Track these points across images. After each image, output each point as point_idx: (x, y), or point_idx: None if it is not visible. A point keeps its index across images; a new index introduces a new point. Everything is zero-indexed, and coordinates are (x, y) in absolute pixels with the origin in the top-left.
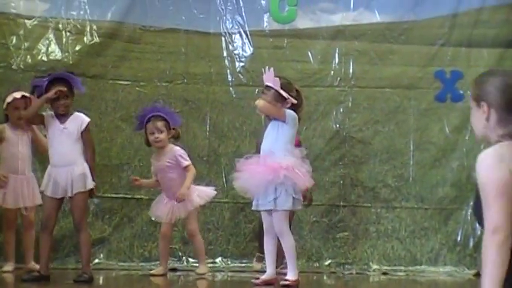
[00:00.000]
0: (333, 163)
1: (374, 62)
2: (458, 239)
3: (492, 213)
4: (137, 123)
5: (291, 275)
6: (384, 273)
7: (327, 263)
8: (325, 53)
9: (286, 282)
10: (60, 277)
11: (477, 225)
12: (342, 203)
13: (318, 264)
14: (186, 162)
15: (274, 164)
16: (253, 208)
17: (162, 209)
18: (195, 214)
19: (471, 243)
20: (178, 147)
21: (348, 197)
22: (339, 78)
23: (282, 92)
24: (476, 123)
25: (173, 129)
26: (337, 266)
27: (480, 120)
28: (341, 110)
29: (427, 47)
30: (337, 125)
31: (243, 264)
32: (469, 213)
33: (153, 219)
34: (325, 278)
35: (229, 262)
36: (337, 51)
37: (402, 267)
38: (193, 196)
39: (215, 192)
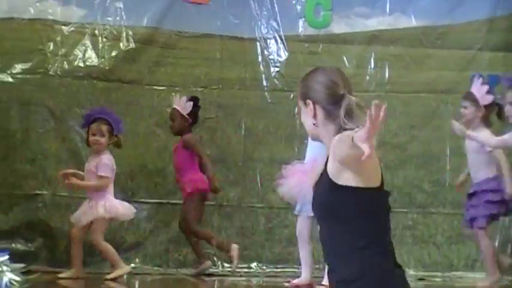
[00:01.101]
0: None
1: (410, 66)
2: (496, 244)
3: None
4: (83, 122)
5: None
6: (420, 279)
7: None
8: (361, 58)
9: None
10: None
11: None
12: None
13: None
14: (103, 173)
15: None
16: (295, 212)
17: (80, 210)
18: (101, 224)
19: (509, 249)
20: (108, 156)
21: None
22: (374, 83)
23: None
24: (305, 121)
25: (116, 136)
26: None
27: (308, 118)
28: None
29: (464, 51)
30: None
31: (278, 270)
32: (506, 219)
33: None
34: None
35: (264, 267)
36: (372, 56)
37: (439, 273)
38: (99, 206)
39: (132, 211)
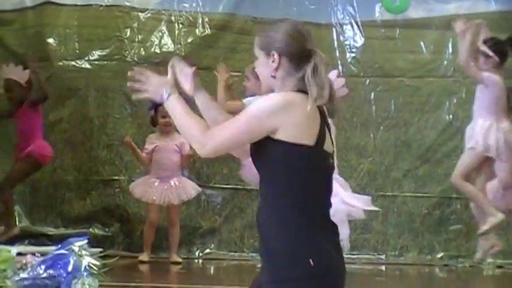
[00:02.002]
0: (446, 155)
1: None
2: None
3: None
4: (151, 105)
5: None
6: (499, 267)
7: (439, 255)
8: (438, 43)
9: None
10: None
11: None
12: (454, 195)
13: (430, 257)
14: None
15: None
16: None
17: (152, 191)
18: (179, 204)
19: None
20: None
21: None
22: (452, 69)
23: None
24: (263, 72)
25: None
26: (450, 259)
27: (268, 70)
28: (454, 101)
29: None
30: (450, 116)
31: (354, 256)
32: None
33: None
34: (437, 270)
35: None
36: (450, 41)
37: None
38: (188, 186)
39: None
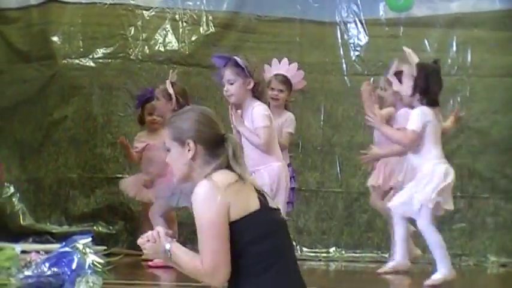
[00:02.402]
0: (450, 153)
1: (493, 50)
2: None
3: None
4: (137, 102)
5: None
6: (503, 266)
7: None
8: (442, 41)
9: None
10: None
11: None
12: (458, 194)
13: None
14: None
15: None
16: None
17: (147, 190)
18: None
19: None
20: None
21: (464, 188)
22: (456, 67)
23: None
24: (177, 161)
25: None
26: (454, 258)
27: (183, 158)
28: (458, 100)
29: None
30: None
31: (357, 254)
32: None
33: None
34: None
35: (343, 252)
36: (454, 39)
37: None
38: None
39: None
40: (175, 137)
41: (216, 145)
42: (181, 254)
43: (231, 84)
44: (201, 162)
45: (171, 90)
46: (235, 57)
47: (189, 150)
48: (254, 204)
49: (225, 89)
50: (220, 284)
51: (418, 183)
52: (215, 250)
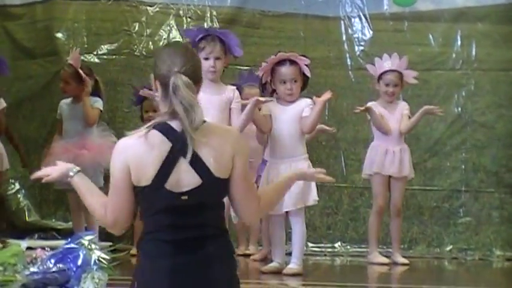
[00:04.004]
0: (455, 147)
1: (498, 44)
2: None
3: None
4: (135, 100)
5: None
6: (508, 260)
7: (448, 248)
8: (447, 35)
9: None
10: None
11: None
12: (463, 188)
13: (439, 250)
14: None
15: None
16: None
17: None
18: None
19: None
20: None
21: (470, 182)
22: (461, 61)
23: None
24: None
25: None
26: (459, 252)
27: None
28: (463, 94)
29: None
30: (459, 109)
31: (362, 249)
32: None
33: None
34: (446, 263)
35: (348, 247)
36: (459, 33)
37: None
38: None
39: None
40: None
41: (165, 82)
42: (85, 192)
43: (218, 59)
44: (160, 98)
45: (80, 72)
46: (220, 34)
47: (155, 87)
48: (145, 180)
49: (212, 64)
50: (119, 233)
51: None
52: (116, 206)
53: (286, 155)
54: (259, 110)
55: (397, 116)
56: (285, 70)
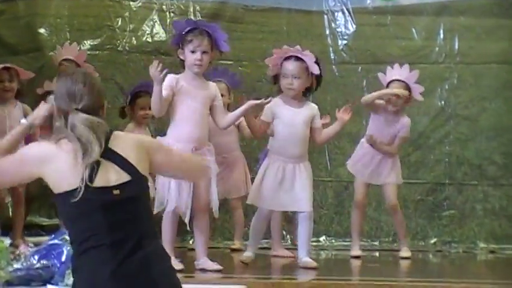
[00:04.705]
0: (438, 141)
1: (480, 37)
2: None
3: None
4: (128, 99)
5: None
6: (492, 252)
7: (432, 241)
8: (430, 29)
9: None
10: None
11: None
12: (447, 181)
13: (423, 243)
14: None
15: None
16: None
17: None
18: None
19: None
20: None
21: (453, 175)
22: (444, 55)
23: None
24: None
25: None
26: (443, 245)
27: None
28: (446, 87)
29: None
30: (442, 102)
31: (347, 243)
32: None
33: None
34: (430, 256)
35: (333, 241)
36: (442, 27)
37: (511, 246)
38: None
39: None
40: None
41: (65, 120)
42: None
43: (205, 53)
44: (57, 129)
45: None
46: (208, 27)
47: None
48: (67, 185)
49: (199, 58)
50: None
51: None
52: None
53: (292, 156)
54: (260, 111)
55: (394, 130)
56: (288, 65)
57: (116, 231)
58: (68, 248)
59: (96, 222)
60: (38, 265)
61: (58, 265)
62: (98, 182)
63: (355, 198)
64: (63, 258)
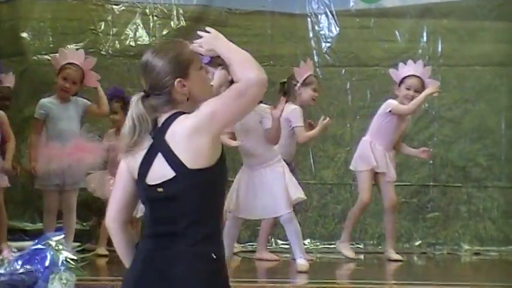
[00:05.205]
0: (422, 143)
1: (463, 39)
2: None
3: None
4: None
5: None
6: (476, 254)
7: (417, 243)
8: (413, 31)
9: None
10: None
11: None
12: (431, 183)
13: (408, 245)
14: None
15: None
16: None
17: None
18: None
19: None
20: None
21: (437, 177)
22: (427, 57)
23: None
24: None
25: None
26: (428, 247)
27: None
28: None
29: None
30: (426, 105)
31: (332, 246)
32: None
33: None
34: (415, 258)
35: (317, 243)
36: (425, 29)
37: (495, 248)
38: None
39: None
40: None
41: None
42: None
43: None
44: None
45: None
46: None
47: None
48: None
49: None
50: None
51: None
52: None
53: (258, 162)
54: None
55: (405, 124)
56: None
57: (158, 226)
58: (52, 253)
59: (146, 214)
60: (21, 270)
61: (42, 270)
62: (149, 176)
63: (364, 199)
64: (47, 263)
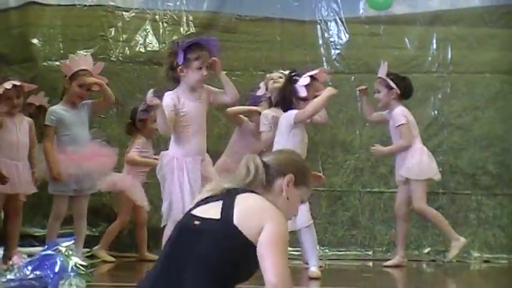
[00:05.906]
0: (431, 150)
1: (473, 46)
2: None
3: None
4: (144, 111)
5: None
6: (485, 261)
7: (426, 251)
8: (423, 38)
9: None
10: None
11: None
12: (441, 190)
13: (417, 252)
14: None
15: None
16: None
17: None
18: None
19: None
20: None
21: (447, 184)
22: (436, 64)
23: None
24: None
25: None
26: (437, 254)
27: None
28: (439, 96)
29: None
30: (435, 112)
31: (341, 252)
32: None
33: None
34: (424, 266)
35: (326, 250)
36: (434, 36)
37: (504, 255)
38: None
39: None
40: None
41: None
42: None
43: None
44: None
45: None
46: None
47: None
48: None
49: (205, 73)
50: None
51: None
52: None
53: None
54: None
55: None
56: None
57: (172, 253)
58: (62, 258)
59: (170, 237)
60: (31, 276)
61: (51, 276)
62: (199, 209)
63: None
64: (57, 269)
